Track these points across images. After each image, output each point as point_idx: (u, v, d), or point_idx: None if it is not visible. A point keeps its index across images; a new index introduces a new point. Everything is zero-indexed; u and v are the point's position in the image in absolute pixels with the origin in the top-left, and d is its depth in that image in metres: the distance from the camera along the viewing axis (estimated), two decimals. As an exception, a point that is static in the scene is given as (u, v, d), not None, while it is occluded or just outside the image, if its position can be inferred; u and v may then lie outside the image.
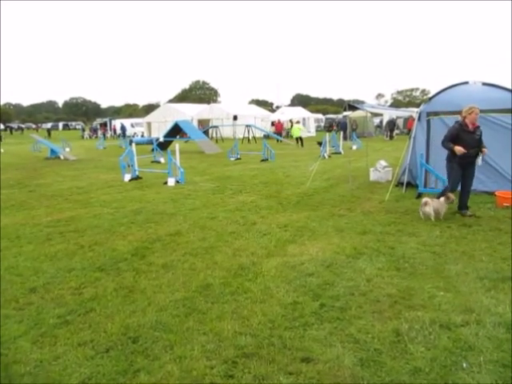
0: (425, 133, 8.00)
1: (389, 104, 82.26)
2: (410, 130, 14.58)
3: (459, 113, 7.81)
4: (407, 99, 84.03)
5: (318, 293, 3.67)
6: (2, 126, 62.13)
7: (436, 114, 7.85)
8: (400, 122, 30.29)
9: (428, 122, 7.96)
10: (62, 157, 18.29)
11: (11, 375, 2.61)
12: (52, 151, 18.81)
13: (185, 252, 4.92)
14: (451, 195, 5.93)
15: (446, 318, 3.16)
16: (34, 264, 4.62)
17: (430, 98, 8.33)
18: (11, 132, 58.47)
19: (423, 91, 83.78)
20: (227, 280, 4.03)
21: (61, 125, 73.30)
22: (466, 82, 8.12)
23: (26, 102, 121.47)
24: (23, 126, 75.27)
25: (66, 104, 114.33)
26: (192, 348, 2.87)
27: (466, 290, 3.65)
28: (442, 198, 6.00)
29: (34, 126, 73.13)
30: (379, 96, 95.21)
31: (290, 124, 33.38)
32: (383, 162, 9.83)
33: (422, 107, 8.26)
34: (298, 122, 25.57)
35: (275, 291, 3.74)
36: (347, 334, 2.99)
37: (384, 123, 30.02)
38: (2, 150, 24.60)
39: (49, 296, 3.77)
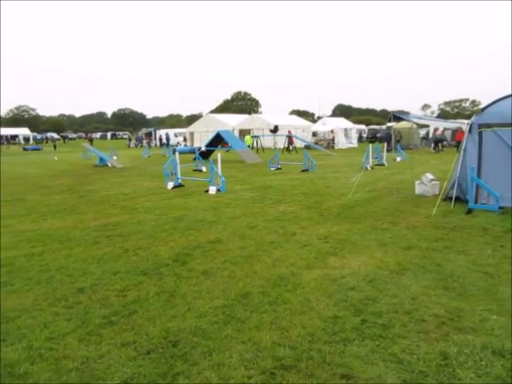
0: (476, 146, 7.61)
1: (435, 115, 79.20)
2: (458, 143, 13.92)
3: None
4: (455, 110, 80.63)
5: (359, 308, 3.57)
6: (57, 136, 66.42)
7: (488, 126, 7.46)
8: (448, 134, 29.03)
9: (480, 134, 7.58)
10: (109, 164, 19.21)
11: None
12: (100, 159, 19.81)
13: (224, 260, 4.97)
14: None
15: (499, 344, 2.95)
16: (82, 265, 4.85)
17: (483, 109, 7.93)
18: (64, 141, 62.31)
19: (473, 102, 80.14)
20: (266, 290, 4.01)
21: (109, 134, 77.16)
22: (523, 92, 7.67)
23: (78, 113, 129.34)
24: (75, 135, 79.92)
25: (114, 115, 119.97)
26: (230, 356, 2.87)
27: (522, 314, 3.39)
28: None
29: (84, 135, 77.38)
30: (425, 107, 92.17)
31: (331, 135, 33.25)
32: (429, 175, 9.45)
33: (473, 119, 7.88)
34: (248, 134, 31.26)
35: (315, 304, 3.67)
36: (390, 353, 2.86)
37: (430, 135, 28.93)
38: (55, 158, 26.26)
39: (95, 297, 3.93)
